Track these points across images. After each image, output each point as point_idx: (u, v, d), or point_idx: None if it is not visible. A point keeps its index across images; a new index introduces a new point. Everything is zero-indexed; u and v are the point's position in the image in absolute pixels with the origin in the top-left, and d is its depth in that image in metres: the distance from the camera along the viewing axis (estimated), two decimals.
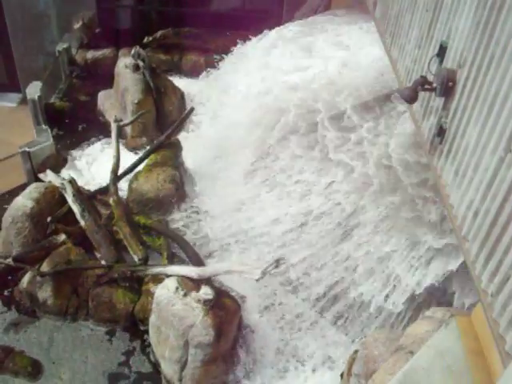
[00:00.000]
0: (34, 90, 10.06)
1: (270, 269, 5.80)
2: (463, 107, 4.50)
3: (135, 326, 6.99)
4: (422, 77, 5.07)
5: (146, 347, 6.78)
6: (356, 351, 5.73)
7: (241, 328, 6.50)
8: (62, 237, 7.32)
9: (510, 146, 3.68)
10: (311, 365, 6.58)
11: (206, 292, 5.96)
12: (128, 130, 10.13)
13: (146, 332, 6.76)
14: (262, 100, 8.90)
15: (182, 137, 9.53)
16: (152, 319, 6.38)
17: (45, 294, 6.99)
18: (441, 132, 4.94)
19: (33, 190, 7.70)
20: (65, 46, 12.24)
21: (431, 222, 6.04)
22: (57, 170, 9.13)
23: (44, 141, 9.57)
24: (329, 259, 6.77)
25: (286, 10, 13.02)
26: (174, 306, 5.98)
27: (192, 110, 9.54)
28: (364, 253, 6.46)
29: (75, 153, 10.12)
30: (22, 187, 8.23)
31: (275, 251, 7.24)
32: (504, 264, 3.67)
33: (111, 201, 7.92)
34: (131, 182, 8.14)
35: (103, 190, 8.31)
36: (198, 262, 6.93)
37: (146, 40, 12.40)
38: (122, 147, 9.06)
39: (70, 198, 7.56)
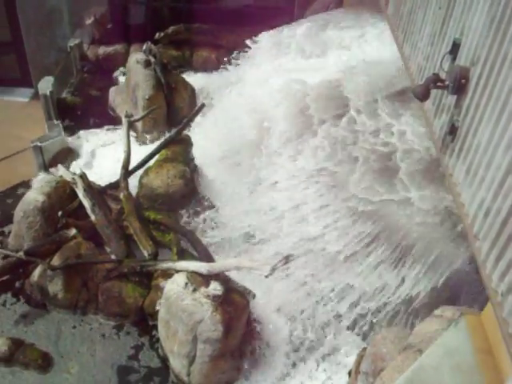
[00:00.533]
0: (45, 85, 10.12)
1: (280, 265, 5.81)
2: (476, 105, 4.47)
3: (144, 321, 7.03)
4: (434, 74, 5.04)
5: (154, 342, 6.82)
6: (364, 349, 5.73)
7: (250, 324, 6.49)
8: (73, 231, 7.36)
9: None
10: (321, 362, 6.58)
11: (215, 287, 5.99)
12: (139, 125, 10.16)
13: (155, 327, 6.79)
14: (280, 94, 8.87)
15: (192, 133, 9.51)
16: (161, 314, 6.41)
17: (55, 287, 7.05)
18: (453, 130, 4.91)
19: (44, 184, 7.75)
20: (76, 41, 12.28)
21: None
22: (68, 164, 9.21)
23: (55, 135, 9.65)
24: None
25: (298, 6, 12.99)
26: (183, 301, 6.01)
27: (203, 106, 9.55)
28: None
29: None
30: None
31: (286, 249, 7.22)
32: None
33: (121, 196, 7.96)
34: (141, 178, 8.17)
35: (114, 185, 8.34)
36: (208, 257, 6.95)
37: (157, 36, 12.39)
38: (132, 142, 9.08)
39: (80, 192, 7.60)
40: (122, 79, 11.83)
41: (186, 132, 9.32)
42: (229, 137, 9.02)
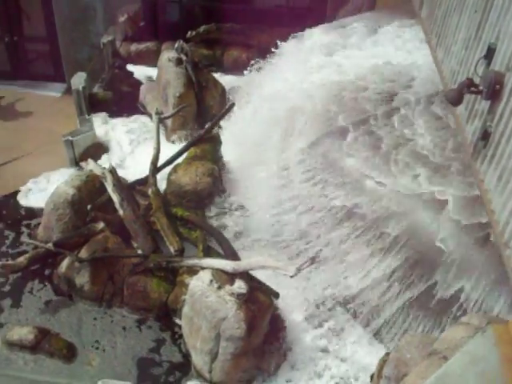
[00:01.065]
0: (78, 80, 10.26)
1: (305, 266, 5.80)
2: (510, 111, 4.41)
3: (167, 316, 7.09)
4: (468, 79, 4.97)
5: (177, 338, 6.86)
6: (387, 353, 5.70)
7: (273, 323, 6.50)
8: (101, 225, 7.47)
9: None
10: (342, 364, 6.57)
11: (239, 286, 6.01)
12: (169, 122, 10.26)
13: (177, 324, 6.89)
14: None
15: (221, 131, 9.56)
16: (185, 310, 6.45)
17: (82, 279, 7.16)
18: (485, 136, 4.85)
19: (74, 177, 7.90)
20: (109, 38, 12.43)
21: None
22: (98, 158, 9.33)
23: (87, 130, 9.80)
24: None
25: (330, 7, 12.97)
26: (207, 298, 6.04)
27: (233, 105, 9.58)
28: None
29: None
30: None
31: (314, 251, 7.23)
32: None
33: (150, 192, 8.05)
34: (170, 174, 8.23)
35: (142, 181, 8.44)
36: (233, 255, 6.97)
37: (189, 34, 12.52)
38: (161, 139, 9.16)
39: (110, 187, 7.68)
40: None
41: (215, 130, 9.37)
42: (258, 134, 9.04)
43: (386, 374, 5.34)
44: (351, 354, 6.58)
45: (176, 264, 7.08)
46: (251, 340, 6.03)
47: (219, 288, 6.08)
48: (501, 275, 5.37)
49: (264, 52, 12.18)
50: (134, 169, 9.16)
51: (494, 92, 4.63)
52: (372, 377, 5.94)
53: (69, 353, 6.65)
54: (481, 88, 4.80)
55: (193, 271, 6.83)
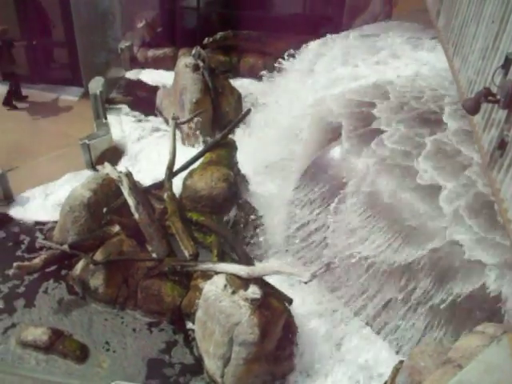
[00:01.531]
0: (96, 84, 10.39)
1: (320, 272, 5.80)
2: None
3: (180, 321, 7.10)
4: (485, 88, 4.97)
5: (190, 341, 6.87)
6: (401, 362, 5.67)
7: (286, 329, 6.49)
8: (116, 228, 7.54)
9: None
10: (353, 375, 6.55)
11: (253, 291, 6.01)
12: (185, 127, 10.31)
13: (189, 328, 6.91)
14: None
15: (236, 137, 9.61)
16: (199, 314, 6.46)
17: (96, 281, 7.20)
18: (502, 145, 4.84)
19: (91, 180, 7.96)
20: (127, 43, 12.58)
21: None
22: (114, 162, 9.40)
23: (103, 134, 9.89)
24: None
25: (347, 15, 13.00)
26: (221, 302, 6.04)
27: (249, 111, 9.64)
28: None
29: None
30: None
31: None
32: None
33: (165, 196, 8.10)
34: (185, 179, 8.27)
35: (158, 185, 8.49)
36: (248, 260, 6.99)
37: (206, 41, 12.62)
38: (177, 144, 9.20)
39: (125, 190, 7.73)
40: None
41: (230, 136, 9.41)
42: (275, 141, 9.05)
43: (400, 382, 5.31)
44: (364, 361, 6.55)
45: (190, 268, 7.10)
46: (264, 345, 6.02)
47: (233, 293, 6.08)
48: None
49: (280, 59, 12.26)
50: (150, 173, 9.21)
51: (511, 101, 4.63)
52: None
53: (82, 354, 6.68)
54: (498, 97, 4.80)
55: (207, 276, 6.86)
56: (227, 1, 13.34)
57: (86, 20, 11.94)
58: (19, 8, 11.72)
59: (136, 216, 7.62)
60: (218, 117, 10.53)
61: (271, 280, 6.56)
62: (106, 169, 8.29)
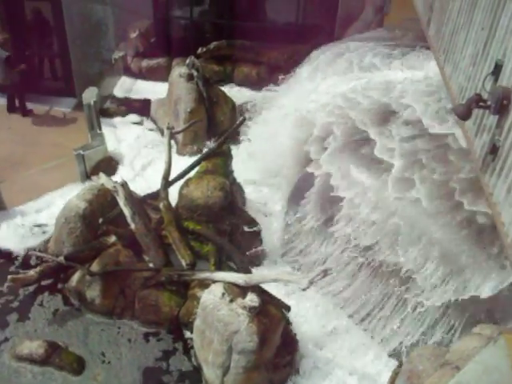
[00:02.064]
0: (89, 95, 10.33)
1: (318, 278, 5.81)
2: None
3: (179, 330, 7.07)
4: (476, 94, 5.02)
5: (188, 349, 6.83)
6: (399, 366, 5.67)
7: (285, 337, 6.49)
8: (113, 238, 7.51)
9: None
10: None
11: (251, 299, 6.00)
12: (180, 137, 10.32)
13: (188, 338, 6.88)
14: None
15: (231, 146, 9.62)
16: (197, 323, 6.44)
17: (93, 293, 7.16)
18: (494, 150, 4.88)
19: (86, 191, 7.93)
20: (121, 53, 12.60)
21: None
22: (109, 173, 9.36)
23: (98, 144, 9.86)
24: None
25: (339, 25, 13.08)
26: (219, 311, 6.03)
27: (243, 120, 9.65)
28: None
29: None
30: None
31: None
32: None
33: (161, 205, 8.07)
34: (181, 188, 8.25)
35: (154, 195, 8.47)
36: (245, 269, 6.97)
37: (199, 50, 12.65)
38: (173, 154, 9.20)
39: (121, 201, 7.71)
40: None
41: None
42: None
43: None
44: (362, 367, 6.55)
45: (188, 277, 7.09)
46: (263, 353, 6.01)
47: (231, 301, 6.08)
48: None
49: (273, 68, 12.34)
50: (145, 183, 9.20)
51: (501, 107, 4.68)
52: None
53: (78, 366, 6.64)
54: (489, 103, 4.85)
55: (204, 285, 6.83)
56: (221, 10, 13.38)
57: (80, 30, 11.92)
58: (11, 19, 11.68)
59: (132, 226, 7.60)
60: (213, 126, 10.56)
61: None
62: (101, 179, 8.26)
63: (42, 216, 8.82)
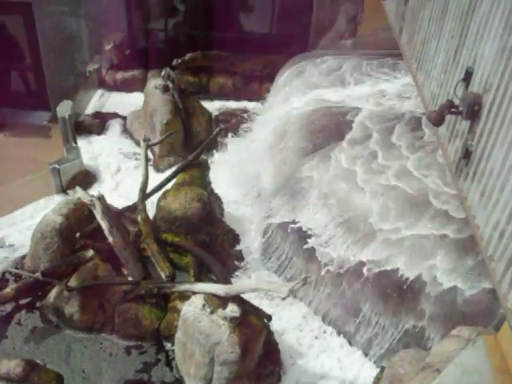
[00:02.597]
0: (64, 108, 10.24)
1: (298, 287, 5.79)
2: (489, 130, 4.55)
3: (160, 343, 7.00)
4: (448, 100, 5.13)
5: (169, 362, 6.78)
6: (381, 371, 5.70)
7: (267, 346, 6.47)
8: (90, 252, 7.42)
9: None
10: None
11: (232, 309, 5.98)
12: (156, 149, 10.28)
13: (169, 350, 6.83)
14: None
15: (208, 157, 9.64)
16: (178, 336, 6.39)
17: (72, 308, 7.06)
18: (467, 154, 4.99)
19: (62, 205, 7.84)
20: (95, 66, 12.53)
21: None
22: (86, 186, 9.30)
23: (73, 158, 9.78)
24: None
25: (313, 35, 13.21)
26: (200, 322, 6.00)
27: (220, 130, 9.66)
28: None
29: None
30: None
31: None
32: None
33: (139, 218, 8.02)
34: (159, 201, 8.20)
35: (131, 208, 8.42)
36: (225, 279, 6.95)
37: (175, 62, 12.64)
38: (149, 166, 9.18)
39: (98, 214, 7.62)
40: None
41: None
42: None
43: None
44: (349, 376, 6.56)
45: (167, 290, 7.03)
46: (246, 364, 5.99)
47: (212, 312, 6.05)
48: None
49: (248, 79, 12.39)
50: (122, 195, 9.15)
51: (473, 112, 4.79)
52: None
53: None
54: (461, 109, 4.97)
55: (185, 297, 6.78)
56: (195, 22, 13.40)
57: (53, 43, 11.81)
58: None
59: (110, 239, 7.51)
60: (190, 137, 10.55)
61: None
62: (78, 193, 8.17)
63: (14, 231, 8.68)
